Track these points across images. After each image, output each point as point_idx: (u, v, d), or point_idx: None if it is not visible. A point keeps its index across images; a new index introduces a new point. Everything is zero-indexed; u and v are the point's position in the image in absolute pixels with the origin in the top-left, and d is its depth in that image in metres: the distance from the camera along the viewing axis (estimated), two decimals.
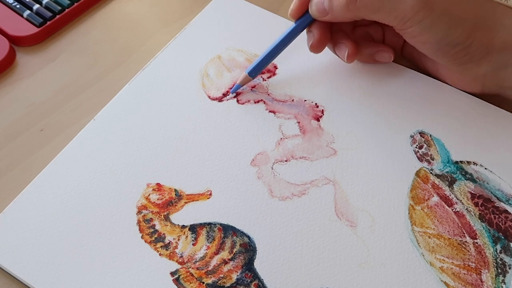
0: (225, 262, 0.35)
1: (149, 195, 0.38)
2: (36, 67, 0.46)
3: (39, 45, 0.48)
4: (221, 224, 0.37)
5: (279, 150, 0.41)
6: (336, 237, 0.37)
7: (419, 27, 0.38)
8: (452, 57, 0.40)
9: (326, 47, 0.43)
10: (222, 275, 0.35)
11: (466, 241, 0.36)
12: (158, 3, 0.52)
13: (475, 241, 0.36)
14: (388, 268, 0.35)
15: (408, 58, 0.46)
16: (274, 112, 0.43)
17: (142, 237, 0.36)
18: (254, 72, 0.43)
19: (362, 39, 0.45)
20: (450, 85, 0.44)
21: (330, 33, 0.43)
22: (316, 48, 0.43)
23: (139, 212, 0.37)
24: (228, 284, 0.35)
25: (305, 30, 0.43)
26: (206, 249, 0.36)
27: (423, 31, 0.38)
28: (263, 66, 0.43)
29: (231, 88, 0.44)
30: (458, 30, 0.38)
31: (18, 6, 0.48)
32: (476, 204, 0.38)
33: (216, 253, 0.36)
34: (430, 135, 0.42)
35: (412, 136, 0.42)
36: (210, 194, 0.38)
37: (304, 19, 0.43)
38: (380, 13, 0.39)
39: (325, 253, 0.36)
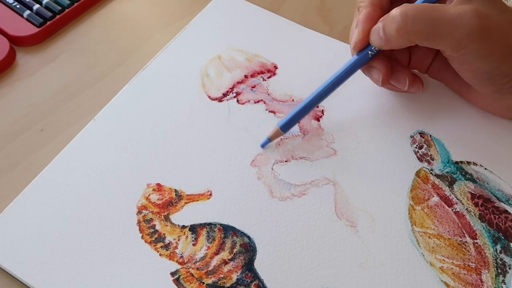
0: (225, 262, 0.35)
1: (149, 195, 0.38)
2: (36, 67, 0.46)
3: (39, 45, 0.48)
4: (221, 225, 0.37)
5: (279, 151, 0.41)
6: (336, 237, 0.37)
7: (473, 56, 0.37)
8: (497, 87, 0.38)
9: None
10: (222, 276, 0.35)
11: (466, 241, 0.36)
12: (158, 3, 0.52)
13: (475, 241, 0.36)
14: (388, 268, 0.35)
15: (434, 78, 0.44)
16: (274, 112, 0.43)
17: (142, 237, 0.36)
18: (287, 126, 0.40)
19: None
20: (480, 108, 0.43)
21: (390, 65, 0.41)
22: (386, 82, 0.41)
23: (139, 212, 0.37)
24: (228, 284, 0.35)
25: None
26: (206, 249, 0.36)
27: (476, 59, 0.37)
28: (296, 120, 0.41)
29: (231, 88, 0.44)
30: (511, 60, 0.37)
31: (18, 6, 0.48)
32: (476, 204, 0.38)
33: (216, 253, 0.36)
34: (430, 135, 0.42)
35: (412, 136, 0.42)
36: (210, 195, 0.38)
37: (364, 53, 0.40)
38: (433, 40, 0.37)
39: (325, 253, 0.36)
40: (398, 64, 0.42)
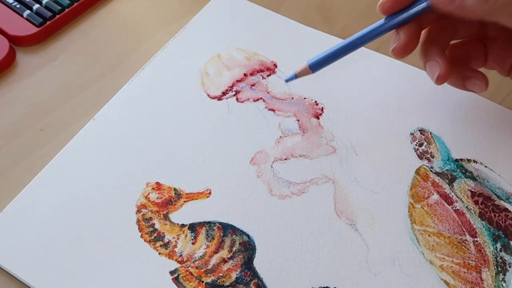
0: (224, 261, 0.35)
1: (149, 194, 0.38)
2: (36, 67, 0.46)
3: (39, 45, 0.48)
4: (220, 223, 0.37)
5: (279, 149, 0.41)
6: (335, 235, 0.37)
7: None
8: None
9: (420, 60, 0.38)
10: (221, 274, 0.35)
11: (466, 240, 0.36)
12: (158, 3, 0.52)
13: (475, 239, 0.36)
14: (388, 267, 0.35)
15: None
16: (273, 110, 0.43)
17: (141, 236, 0.36)
18: (317, 66, 0.38)
19: (458, 59, 0.39)
20: None
21: (418, 40, 0.37)
22: (399, 53, 0.37)
23: (138, 211, 0.37)
24: (227, 283, 0.35)
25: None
26: (206, 248, 0.36)
27: None
28: (328, 62, 0.38)
29: (231, 87, 0.44)
30: None
31: (18, 6, 0.49)
32: (476, 202, 0.38)
33: (216, 252, 0.36)
34: (430, 132, 0.42)
35: (412, 134, 0.41)
36: (210, 193, 0.38)
37: (396, 17, 0.36)
38: (499, 15, 0.32)
39: (325, 251, 0.36)
40: (438, 50, 0.37)
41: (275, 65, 0.45)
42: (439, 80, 0.37)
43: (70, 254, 0.36)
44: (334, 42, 0.47)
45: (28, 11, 0.48)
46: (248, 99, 0.43)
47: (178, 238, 0.36)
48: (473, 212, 0.37)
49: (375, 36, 0.37)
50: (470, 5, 0.32)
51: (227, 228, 0.37)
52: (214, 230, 0.37)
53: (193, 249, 0.36)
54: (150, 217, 0.37)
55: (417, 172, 0.39)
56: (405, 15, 0.36)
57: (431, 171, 0.39)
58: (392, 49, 0.37)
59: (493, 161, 0.40)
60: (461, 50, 0.39)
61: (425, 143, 0.41)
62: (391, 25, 0.37)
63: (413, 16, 0.36)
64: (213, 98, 0.43)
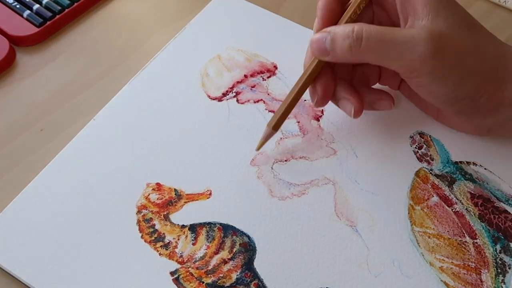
0: (225, 261, 0.35)
1: (149, 194, 0.38)
2: (36, 67, 0.46)
3: (39, 45, 0.48)
4: (220, 224, 0.37)
5: (279, 150, 0.41)
6: (336, 237, 0.37)
7: (427, 78, 0.36)
8: (458, 108, 0.37)
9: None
10: (222, 275, 0.35)
11: (465, 241, 0.36)
12: (158, 3, 0.52)
13: (475, 241, 0.36)
14: (388, 268, 0.35)
15: (406, 97, 0.43)
16: (274, 112, 0.43)
17: (142, 236, 0.36)
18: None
19: (359, 81, 0.41)
20: (453, 129, 0.42)
21: (334, 83, 0.40)
22: (323, 103, 0.40)
23: (139, 211, 0.37)
24: (228, 284, 0.35)
25: None
26: (206, 249, 0.36)
27: (431, 82, 0.36)
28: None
29: (231, 88, 0.44)
30: (469, 83, 0.36)
31: (18, 6, 0.48)
32: (475, 204, 0.38)
33: (216, 252, 0.36)
34: (430, 135, 0.42)
35: (411, 137, 0.42)
36: (210, 194, 0.38)
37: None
38: (385, 60, 0.36)
39: (325, 253, 0.36)
40: (345, 86, 0.40)
41: (276, 67, 0.46)
42: (357, 115, 0.39)
43: (70, 254, 0.36)
44: None
45: (28, 11, 0.48)
46: (249, 101, 0.43)
47: (178, 239, 0.36)
48: (472, 214, 0.38)
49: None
50: (341, 56, 0.37)
51: (227, 229, 0.37)
52: (214, 231, 0.37)
53: (193, 249, 0.36)
54: (151, 218, 0.37)
55: (417, 174, 0.40)
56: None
57: (430, 173, 0.40)
58: (315, 102, 0.39)
59: (492, 163, 0.40)
60: (360, 73, 0.41)
61: (425, 146, 0.41)
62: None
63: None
64: (214, 99, 0.43)
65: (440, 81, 0.36)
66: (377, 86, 0.43)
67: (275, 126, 0.38)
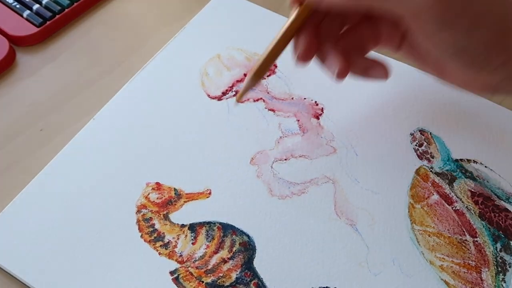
0: (224, 261, 0.35)
1: (149, 194, 0.38)
2: (36, 67, 0.46)
3: (39, 45, 0.48)
4: (220, 223, 0.37)
5: (279, 149, 0.41)
6: (335, 235, 0.37)
7: (433, 25, 0.33)
8: (467, 61, 0.34)
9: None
10: (221, 274, 0.35)
11: (466, 240, 0.36)
12: (158, 3, 0.52)
13: (475, 239, 0.36)
14: (388, 267, 0.35)
15: (409, 59, 0.40)
16: (273, 111, 0.43)
17: (141, 236, 0.36)
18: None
19: (354, 47, 0.38)
20: (455, 86, 0.39)
21: (319, 40, 0.37)
22: (304, 58, 0.37)
23: (138, 211, 0.37)
24: (227, 283, 0.35)
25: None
26: (206, 248, 0.36)
27: (437, 30, 0.33)
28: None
29: (231, 87, 0.44)
30: (478, 30, 0.33)
31: (18, 6, 0.49)
32: (476, 203, 0.38)
33: (216, 252, 0.36)
34: (430, 133, 0.42)
35: (412, 134, 0.41)
36: (210, 193, 0.38)
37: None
38: (389, 2, 0.33)
39: (325, 252, 0.36)
40: (331, 44, 0.37)
41: (275, 66, 0.45)
42: (340, 76, 0.36)
43: (70, 254, 0.36)
44: None
45: (28, 11, 0.48)
46: (248, 99, 0.43)
47: (178, 238, 0.36)
48: (473, 212, 0.37)
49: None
50: (340, 4, 0.33)
51: (227, 228, 0.37)
52: (214, 230, 0.37)
53: (193, 249, 0.36)
54: (150, 217, 0.37)
55: (417, 172, 0.39)
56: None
57: (431, 171, 0.39)
58: (297, 56, 0.37)
59: (493, 161, 0.40)
60: (354, 37, 0.39)
61: (425, 143, 0.41)
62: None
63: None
64: (213, 98, 0.43)
65: (449, 27, 0.33)
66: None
67: (257, 72, 0.36)
